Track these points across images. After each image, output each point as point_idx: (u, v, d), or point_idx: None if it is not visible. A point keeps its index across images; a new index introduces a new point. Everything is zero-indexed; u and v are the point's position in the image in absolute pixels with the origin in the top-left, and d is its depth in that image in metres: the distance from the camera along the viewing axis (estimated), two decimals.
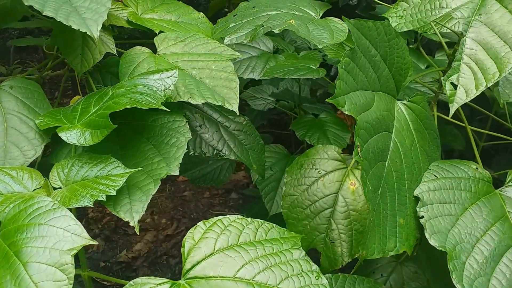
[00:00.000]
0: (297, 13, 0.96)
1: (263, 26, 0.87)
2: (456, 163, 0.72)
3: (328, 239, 0.88)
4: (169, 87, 0.66)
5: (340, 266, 0.81)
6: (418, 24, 0.76)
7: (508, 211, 0.68)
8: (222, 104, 0.74)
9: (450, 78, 0.67)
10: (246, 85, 1.74)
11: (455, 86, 0.66)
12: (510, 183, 0.73)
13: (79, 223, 0.48)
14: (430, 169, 0.69)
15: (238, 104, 0.75)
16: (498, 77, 0.64)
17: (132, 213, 0.60)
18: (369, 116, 0.60)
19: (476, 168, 0.72)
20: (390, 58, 0.67)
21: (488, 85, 0.65)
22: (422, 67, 1.23)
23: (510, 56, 0.65)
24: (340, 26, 0.92)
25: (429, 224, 0.63)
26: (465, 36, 0.70)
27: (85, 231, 0.48)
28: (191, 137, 0.68)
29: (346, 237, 0.80)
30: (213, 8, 2.18)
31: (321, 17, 1.00)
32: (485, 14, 0.72)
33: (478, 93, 0.65)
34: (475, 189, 0.69)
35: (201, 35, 0.86)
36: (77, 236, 0.47)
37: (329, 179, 0.89)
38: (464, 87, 0.66)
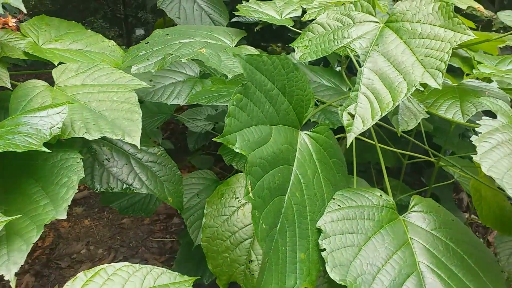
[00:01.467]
0: (210, 41, 0.95)
1: (171, 55, 0.85)
2: (360, 191, 0.72)
3: (248, 271, 0.86)
4: (56, 125, 0.61)
5: None
6: (321, 54, 0.77)
7: (410, 238, 0.69)
8: (122, 138, 0.70)
9: (347, 108, 0.67)
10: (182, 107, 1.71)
11: (352, 116, 0.67)
12: (414, 209, 0.74)
13: None
14: (334, 199, 0.69)
15: (140, 137, 0.72)
16: (392, 106, 0.66)
17: (9, 265, 0.55)
18: (265, 151, 0.59)
19: (380, 195, 0.73)
20: (290, 91, 0.66)
21: (383, 114, 0.66)
22: (345, 90, 1.26)
23: (403, 86, 0.67)
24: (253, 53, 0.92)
25: (330, 257, 0.62)
26: (363, 66, 0.71)
27: None
28: (83, 175, 0.63)
29: None
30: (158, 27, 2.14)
31: (237, 45, 0.99)
32: (382, 44, 0.74)
33: (374, 122, 0.66)
34: (379, 217, 0.70)
35: (106, 65, 0.82)
36: None
37: (249, 208, 0.87)
38: (361, 117, 0.66)
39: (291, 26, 1.01)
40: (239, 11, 1.03)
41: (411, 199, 0.75)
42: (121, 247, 2.20)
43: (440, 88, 0.64)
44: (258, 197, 0.55)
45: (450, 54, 0.67)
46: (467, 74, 1.11)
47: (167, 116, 1.54)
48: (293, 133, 0.68)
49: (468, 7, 2.14)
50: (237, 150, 0.54)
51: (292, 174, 0.65)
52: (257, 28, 1.66)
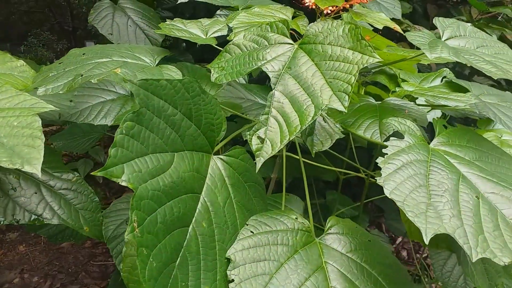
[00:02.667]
0: (129, 60, 0.92)
1: (81, 76, 0.81)
2: (275, 215, 0.71)
3: None
4: None
5: None
6: (235, 76, 0.76)
7: (325, 262, 0.68)
8: (20, 167, 0.65)
9: (257, 132, 0.66)
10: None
11: (262, 140, 0.66)
12: (330, 230, 0.73)
13: None
14: (247, 225, 0.67)
15: (41, 164, 0.66)
16: (300, 130, 0.65)
17: None
18: (162, 181, 0.56)
19: (296, 218, 0.72)
20: (197, 115, 0.64)
21: (291, 138, 0.65)
22: None
23: (311, 109, 0.67)
24: (174, 74, 0.89)
25: None
26: (274, 89, 0.71)
27: None
28: None
29: None
30: None
31: (157, 64, 0.96)
32: (294, 67, 0.73)
33: (282, 146, 0.65)
34: (293, 241, 0.68)
35: (9, 87, 0.76)
36: None
37: None
38: (271, 141, 0.65)
39: (215, 45, 0.99)
40: None
41: (328, 220, 0.75)
42: (59, 273, 2.08)
43: (346, 111, 0.64)
44: (148, 233, 0.52)
45: (357, 76, 0.68)
46: (393, 92, 1.14)
47: (99, 135, 1.48)
48: (203, 159, 0.65)
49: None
50: (124, 183, 0.50)
51: (199, 203, 0.62)
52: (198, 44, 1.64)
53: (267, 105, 0.69)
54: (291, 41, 0.79)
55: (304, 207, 1.14)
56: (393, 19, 1.84)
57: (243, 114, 1.14)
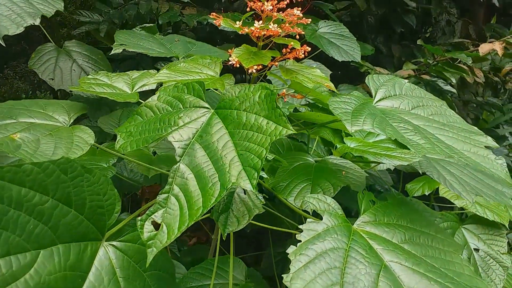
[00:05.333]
0: (37, 121, 0.83)
1: None
2: None
3: None
4: None
5: None
6: (142, 144, 0.67)
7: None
8: None
9: (152, 216, 0.57)
10: None
11: (157, 226, 0.57)
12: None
13: None
14: None
15: None
16: (201, 213, 0.57)
17: None
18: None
19: None
20: (78, 199, 0.55)
21: (190, 224, 0.56)
22: None
23: (216, 188, 0.59)
24: (86, 137, 0.81)
25: None
26: (179, 162, 0.63)
27: None
28: None
29: None
30: None
31: (74, 123, 0.88)
32: (205, 135, 0.66)
33: (179, 234, 0.56)
34: None
35: None
36: None
37: None
38: (168, 227, 0.56)
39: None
40: None
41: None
42: None
43: (254, 190, 0.56)
44: None
45: (268, 149, 0.60)
46: (335, 147, 1.07)
47: None
48: (87, 250, 0.56)
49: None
50: None
51: None
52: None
53: (168, 181, 0.60)
54: (207, 105, 0.72)
55: (247, 272, 1.05)
56: (352, 62, 1.82)
57: None
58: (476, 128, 0.80)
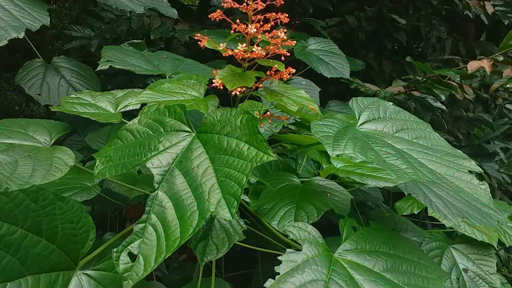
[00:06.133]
0: (17, 141, 0.82)
1: None
2: None
3: None
4: None
5: None
6: (120, 170, 0.66)
7: None
8: None
9: (129, 247, 0.56)
10: None
11: (133, 257, 0.55)
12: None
13: None
14: None
15: None
16: (178, 245, 0.55)
17: None
18: None
19: None
20: (50, 228, 0.54)
21: (167, 255, 0.55)
22: None
23: (194, 218, 0.57)
24: (67, 158, 0.79)
25: None
26: (158, 189, 0.61)
27: None
28: None
29: None
30: None
31: (55, 144, 0.86)
32: (185, 161, 0.65)
33: (156, 266, 0.54)
34: None
35: None
36: None
37: None
38: (144, 258, 0.55)
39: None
40: None
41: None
42: None
43: (232, 220, 0.55)
44: None
45: (249, 176, 0.59)
46: (322, 168, 1.07)
47: None
48: (58, 280, 0.54)
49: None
50: None
51: None
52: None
53: (146, 210, 0.59)
54: (188, 129, 0.71)
55: None
56: (342, 78, 1.81)
57: None
58: (460, 151, 0.79)
